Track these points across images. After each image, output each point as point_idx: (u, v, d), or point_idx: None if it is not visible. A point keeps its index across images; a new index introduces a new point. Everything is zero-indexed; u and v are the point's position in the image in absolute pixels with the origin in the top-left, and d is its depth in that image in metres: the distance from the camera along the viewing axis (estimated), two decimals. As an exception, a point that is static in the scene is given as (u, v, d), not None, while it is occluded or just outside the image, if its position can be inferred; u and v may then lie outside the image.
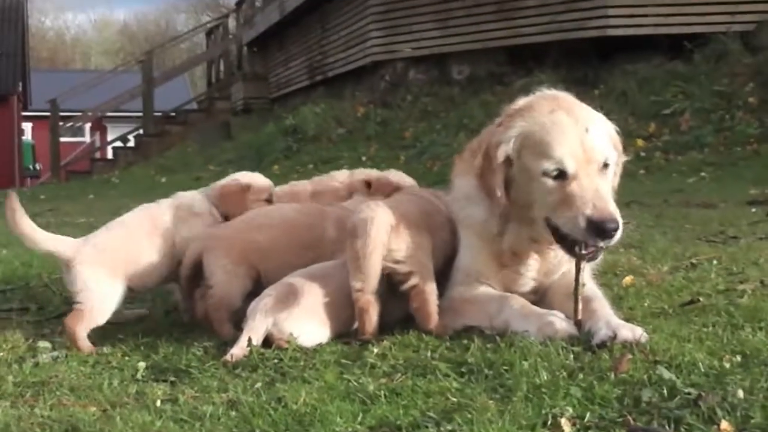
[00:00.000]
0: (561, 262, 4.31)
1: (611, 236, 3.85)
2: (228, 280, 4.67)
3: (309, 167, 20.64)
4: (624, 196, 10.04)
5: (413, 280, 4.22)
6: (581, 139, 3.99)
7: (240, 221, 4.94)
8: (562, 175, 3.97)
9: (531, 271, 4.34)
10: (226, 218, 5.09)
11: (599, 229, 3.83)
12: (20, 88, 47.93)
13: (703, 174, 13.92)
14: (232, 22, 36.85)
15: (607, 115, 13.87)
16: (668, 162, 15.27)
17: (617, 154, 4.20)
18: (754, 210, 9.04)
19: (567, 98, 4.24)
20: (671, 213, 9.10)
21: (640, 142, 16.36)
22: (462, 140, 18.91)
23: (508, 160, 4.15)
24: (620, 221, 3.87)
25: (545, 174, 4.00)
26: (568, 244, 4.01)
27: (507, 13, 19.96)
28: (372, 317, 4.17)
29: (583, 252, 3.96)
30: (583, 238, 3.89)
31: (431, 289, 4.25)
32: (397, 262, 4.21)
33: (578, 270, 3.98)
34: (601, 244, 3.91)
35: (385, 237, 4.14)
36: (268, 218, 4.94)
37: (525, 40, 19.84)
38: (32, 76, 53.14)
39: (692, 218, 8.38)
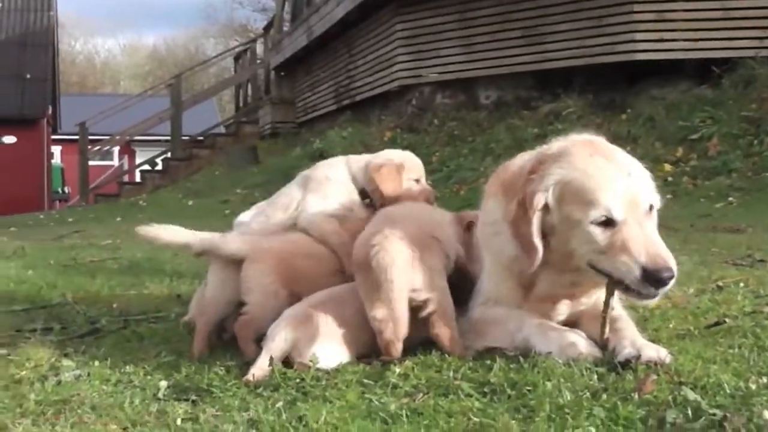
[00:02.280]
0: (593, 298, 4.25)
1: (666, 284, 3.77)
2: (266, 301, 4.64)
3: (335, 191, 20.68)
4: (651, 220, 10.05)
5: (431, 307, 4.18)
6: (626, 184, 3.89)
7: (288, 242, 4.92)
8: (610, 223, 3.86)
9: (561, 314, 4.28)
10: (368, 198, 5.13)
11: (655, 279, 3.74)
12: (50, 112, 48.26)
13: (730, 199, 13.85)
14: (259, 47, 37.08)
15: (635, 140, 13.96)
16: (696, 187, 15.20)
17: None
18: (782, 234, 8.99)
19: (603, 142, 4.14)
20: (698, 237, 9.04)
21: (667, 167, 16.31)
22: (489, 164, 18.92)
23: (545, 209, 4.03)
24: (675, 267, 3.78)
25: (592, 222, 3.88)
26: (622, 286, 3.90)
27: (533, 38, 19.97)
28: (398, 348, 4.14)
29: (642, 292, 3.86)
30: (638, 287, 3.81)
31: (449, 312, 4.21)
32: (414, 290, 4.17)
33: (609, 294, 3.93)
34: (657, 292, 3.82)
35: (408, 276, 4.12)
36: (315, 247, 4.93)
37: (552, 65, 19.82)
38: (62, 100, 53.51)
39: (719, 242, 8.33)
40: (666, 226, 9.77)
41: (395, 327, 4.07)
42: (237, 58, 38.13)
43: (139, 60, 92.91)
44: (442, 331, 4.17)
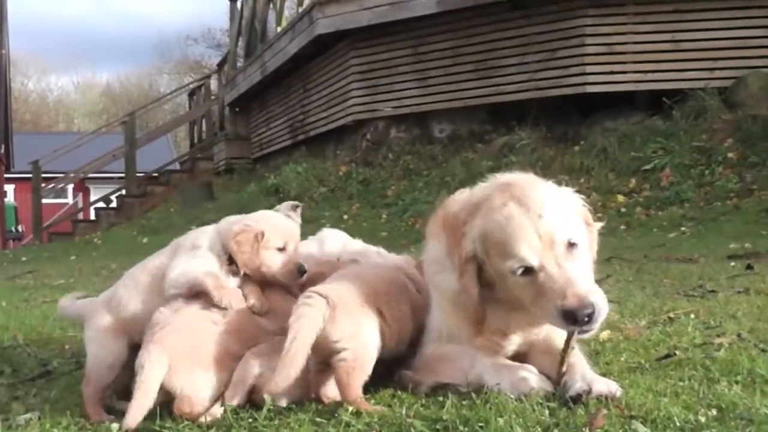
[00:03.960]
0: (543, 329, 4.25)
1: (588, 322, 3.75)
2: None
3: (290, 227, 20.65)
4: (604, 251, 10.03)
5: (344, 355, 4.14)
6: (536, 228, 3.88)
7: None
8: (529, 271, 3.87)
9: (512, 345, 4.28)
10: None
11: (574, 318, 3.73)
12: (2, 150, 47.91)
13: (683, 229, 13.99)
14: (214, 83, 37.03)
15: (588, 171, 14.00)
16: (649, 217, 15.35)
17: (587, 227, 4.14)
18: (733, 264, 9.05)
19: (520, 184, 4.12)
20: (651, 268, 9.11)
21: (620, 198, 16.47)
22: (444, 197, 18.95)
23: (476, 259, 4.06)
24: (597, 303, 3.76)
25: (513, 273, 3.90)
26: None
27: (485, 72, 20.12)
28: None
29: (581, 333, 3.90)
30: (564, 328, 3.84)
31: (360, 364, 4.15)
32: (334, 342, 4.15)
33: (570, 334, 3.95)
34: (582, 329, 3.81)
35: (313, 337, 4.09)
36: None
37: (505, 98, 19.99)
38: (15, 139, 53.17)
39: (672, 273, 8.39)
40: (620, 258, 9.92)
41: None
42: (191, 95, 38.17)
43: (93, 97, 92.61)
44: (343, 379, 4.11)
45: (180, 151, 53.02)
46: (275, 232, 4.70)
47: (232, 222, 4.73)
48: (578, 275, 3.86)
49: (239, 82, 31.23)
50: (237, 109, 33.10)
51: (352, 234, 16.04)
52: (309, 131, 25.96)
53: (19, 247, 42.05)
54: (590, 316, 3.72)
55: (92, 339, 4.66)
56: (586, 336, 4.01)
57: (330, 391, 4.17)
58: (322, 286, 4.32)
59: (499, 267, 3.96)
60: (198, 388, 4.14)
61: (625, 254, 10.81)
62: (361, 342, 4.16)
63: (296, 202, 5.10)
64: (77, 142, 34.60)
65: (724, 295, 6.63)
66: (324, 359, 4.15)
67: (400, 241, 16.83)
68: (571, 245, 3.91)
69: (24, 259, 24.47)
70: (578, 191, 12.07)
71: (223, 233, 4.65)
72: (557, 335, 4.05)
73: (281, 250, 4.69)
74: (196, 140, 36.57)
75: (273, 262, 4.66)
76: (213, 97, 35.59)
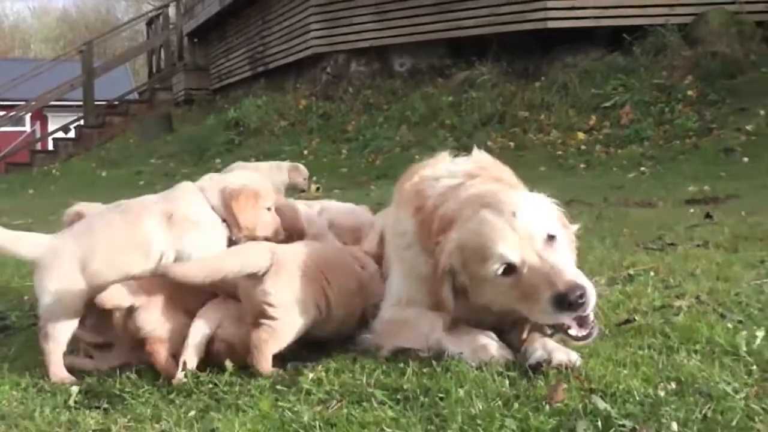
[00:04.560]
0: None
1: (581, 304, 3.73)
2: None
3: (251, 160, 20.57)
4: (564, 191, 10.10)
5: (269, 322, 4.12)
6: (511, 226, 3.89)
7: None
8: (511, 269, 3.87)
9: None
10: None
11: (565, 303, 3.71)
12: (-42, 78, 47.28)
13: (643, 169, 14.03)
14: (172, 12, 36.59)
15: (549, 107, 14.00)
16: (608, 156, 15.39)
17: (564, 229, 4.12)
18: (692, 210, 9.07)
19: (491, 191, 4.16)
20: (610, 213, 9.12)
21: (581, 135, 16.51)
22: (404, 133, 19.01)
23: (453, 272, 4.04)
24: (586, 284, 3.76)
25: (495, 275, 3.88)
26: (564, 331, 3.90)
27: (446, 5, 20.01)
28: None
29: (578, 335, 3.87)
30: (558, 321, 3.82)
31: (280, 336, 4.14)
32: (267, 304, 4.14)
33: None
34: (575, 314, 3.78)
35: (237, 266, 4.12)
36: None
37: (465, 33, 19.89)
38: (-29, 66, 52.49)
39: (631, 221, 8.39)
40: (580, 201, 9.92)
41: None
42: (149, 23, 37.67)
43: (50, 22, 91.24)
44: (259, 345, 4.11)
45: (138, 80, 52.53)
46: (265, 191, 4.68)
47: (219, 183, 4.64)
48: (562, 263, 3.87)
49: (198, 12, 30.96)
50: (196, 40, 32.84)
51: (313, 170, 15.94)
52: (269, 63, 25.80)
53: (-25, 175, 41.70)
54: (582, 297, 3.71)
55: (51, 289, 4.34)
56: (583, 342, 3.93)
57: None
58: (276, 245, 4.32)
59: (479, 273, 3.95)
60: None
61: (585, 196, 10.84)
62: (291, 315, 4.16)
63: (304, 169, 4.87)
64: (35, 70, 34.16)
65: (683, 248, 6.64)
66: (253, 312, 4.17)
67: (360, 178, 16.85)
68: (550, 238, 3.93)
69: (-20, 191, 24.29)
70: (538, 128, 12.08)
71: (217, 193, 4.57)
72: None
73: (269, 209, 4.68)
74: (154, 70, 36.20)
75: (266, 222, 4.64)
76: (171, 27, 35.14)
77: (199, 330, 4.22)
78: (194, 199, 4.57)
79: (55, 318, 4.29)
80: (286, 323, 4.15)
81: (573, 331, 3.85)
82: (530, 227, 3.91)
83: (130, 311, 4.24)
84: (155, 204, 4.54)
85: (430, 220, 4.23)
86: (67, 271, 4.31)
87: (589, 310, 3.81)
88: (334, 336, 4.39)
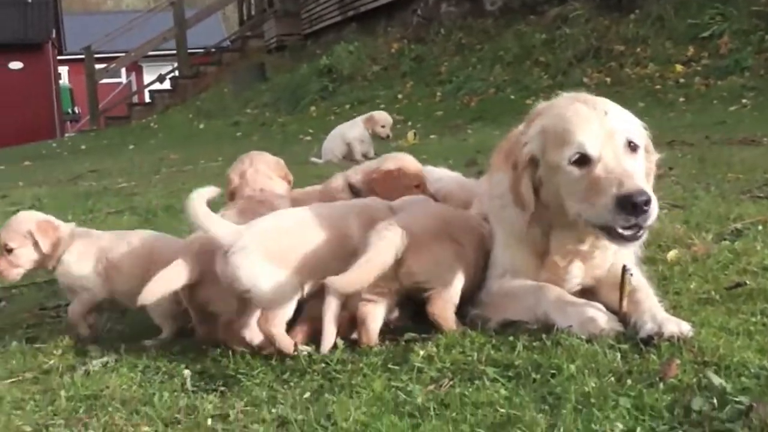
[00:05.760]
0: (607, 258, 4.25)
1: (643, 210, 3.72)
2: None
3: (345, 107, 20.62)
4: (665, 132, 9.96)
5: (432, 291, 4.20)
6: (600, 121, 3.92)
7: None
8: (586, 160, 3.88)
9: (576, 278, 4.27)
10: None
11: (629, 204, 3.70)
12: (54, 35, 48.04)
13: (744, 101, 13.76)
14: (261, -43, 36.61)
15: (644, 41, 13.82)
16: (708, 88, 15.12)
17: (647, 155, 4.09)
18: (799, 146, 8.91)
19: (588, 95, 4.16)
20: (713, 156, 8.95)
21: (678, 67, 16.22)
22: (498, 73, 18.87)
23: (534, 162, 4.08)
24: (652, 195, 3.75)
25: (569, 162, 3.91)
26: (611, 233, 3.87)
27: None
28: (370, 330, 4.17)
29: (626, 233, 3.83)
30: (616, 221, 3.78)
31: (449, 296, 4.22)
32: (417, 282, 4.19)
33: (624, 273, 3.95)
34: (635, 221, 3.76)
35: (391, 260, 4.12)
36: None
37: (557, -33, 19.62)
38: (65, 21, 53.23)
39: (736, 163, 8.23)
40: (681, 141, 9.78)
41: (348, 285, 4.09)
42: (238, -30, 37.73)
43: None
44: (440, 313, 4.18)
45: (229, 28, 52.77)
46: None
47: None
48: (636, 171, 3.88)
49: (287, -45, 30.92)
50: (285, -15, 32.82)
51: (408, 115, 16.00)
52: (359, 7, 25.68)
53: (76, 129, 42.49)
54: (647, 205, 3.72)
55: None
56: (635, 242, 3.94)
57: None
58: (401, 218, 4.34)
59: (554, 159, 3.99)
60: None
61: (685, 135, 10.68)
62: (443, 277, 4.21)
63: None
64: (128, 24, 34.57)
65: (794, 194, 6.53)
66: (405, 289, 4.24)
67: (455, 121, 16.80)
68: (633, 147, 3.94)
69: (83, 147, 24.71)
70: (635, 62, 11.93)
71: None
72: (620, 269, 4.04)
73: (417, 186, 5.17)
74: (245, 17, 36.32)
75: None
76: (260, -28, 35.22)
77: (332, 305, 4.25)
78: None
79: (276, 303, 4.27)
80: (447, 289, 4.22)
81: (621, 230, 3.83)
82: (617, 128, 3.93)
83: None
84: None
85: (514, 142, 4.28)
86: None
87: (649, 223, 3.82)
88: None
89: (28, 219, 5.02)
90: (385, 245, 4.12)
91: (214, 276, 4.26)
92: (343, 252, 4.30)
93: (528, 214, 4.13)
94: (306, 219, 4.41)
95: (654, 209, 3.76)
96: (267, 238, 4.22)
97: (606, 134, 3.89)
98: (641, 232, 3.85)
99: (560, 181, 3.99)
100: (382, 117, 12.90)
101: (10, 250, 4.94)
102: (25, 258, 4.94)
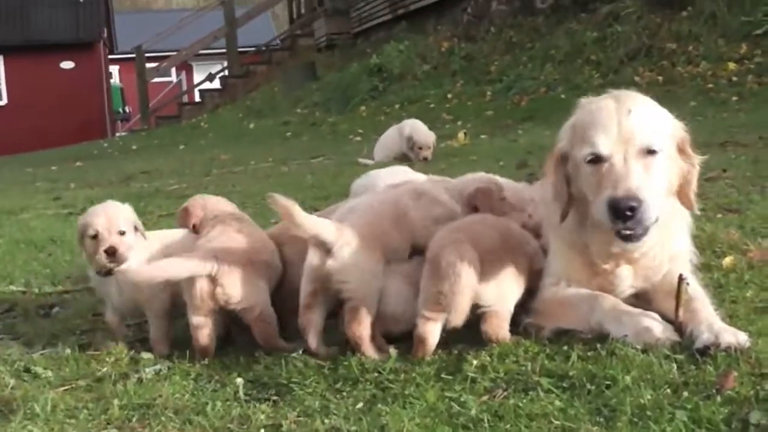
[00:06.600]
0: (660, 264, 4.20)
1: (629, 217, 3.73)
2: None
3: (395, 107, 20.60)
4: (718, 132, 9.85)
5: (487, 309, 4.17)
6: (619, 120, 3.89)
7: None
8: (598, 160, 3.89)
9: (626, 280, 4.23)
10: None
11: (615, 209, 3.73)
12: (105, 34, 48.42)
13: (800, 100, 13.63)
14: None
15: (697, 38, 13.60)
16: (761, 86, 14.95)
17: (683, 156, 4.05)
18: None
19: (625, 92, 4.13)
20: (768, 156, 8.85)
21: (731, 65, 16.04)
22: (549, 72, 18.78)
23: (565, 158, 4.12)
24: (643, 199, 3.73)
25: (585, 160, 3.94)
26: (616, 232, 3.91)
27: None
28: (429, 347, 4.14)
29: (624, 233, 3.87)
30: (607, 223, 3.82)
31: (504, 315, 4.19)
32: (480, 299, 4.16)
33: (680, 281, 3.91)
34: (622, 227, 3.80)
35: (475, 280, 4.07)
36: None
37: (610, -36, 19.49)
38: (116, 20, 53.67)
39: (792, 163, 8.14)
40: (735, 142, 9.68)
41: (454, 318, 4.06)
42: (288, -31, 37.85)
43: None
44: (491, 329, 4.14)
45: (278, 25, 52.92)
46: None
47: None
48: (639, 174, 3.83)
49: (337, -46, 30.97)
50: (335, -17, 32.87)
51: (459, 114, 15.93)
52: (409, 5, 25.67)
53: (127, 129, 42.79)
54: (633, 210, 3.71)
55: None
56: (631, 246, 3.98)
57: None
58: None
59: (577, 155, 4.01)
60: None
61: (739, 135, 10.57)
62: (501, 296, 4.19)
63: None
64: (179, 23, 34.77)
65: None
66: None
67: (506, 121, 16.74)
68: (650, 152, 3.89)
69: (134, 147, 24.86)
70: (687, 60, 11.75)
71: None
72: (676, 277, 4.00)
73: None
74: (295, 16, 36.43)
75: None
76: (310, -29, 35.32)
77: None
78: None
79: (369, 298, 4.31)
80: (502, 307, 4.20)
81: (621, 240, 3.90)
82: (635, 130, 3.89)
83: None
84: None
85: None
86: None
87: (639, 230, 3.84)
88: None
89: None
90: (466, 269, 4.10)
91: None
92: (408, 235, 4.47)
93: (561, 207, 4.15)
94: (377, 209, 4.54)
95: (647, 213, 3.76)
96: (363, 233, 4.30)
97: (621, 134, 3.87)
98: (641, 232, 3.86)
99: (582, 175, 4.02)
100: (422, 138, 12.48)
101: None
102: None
